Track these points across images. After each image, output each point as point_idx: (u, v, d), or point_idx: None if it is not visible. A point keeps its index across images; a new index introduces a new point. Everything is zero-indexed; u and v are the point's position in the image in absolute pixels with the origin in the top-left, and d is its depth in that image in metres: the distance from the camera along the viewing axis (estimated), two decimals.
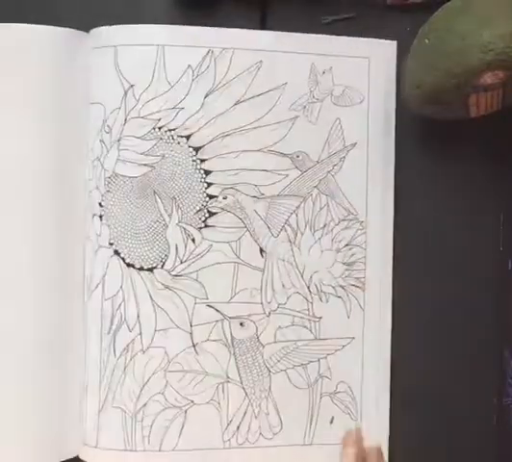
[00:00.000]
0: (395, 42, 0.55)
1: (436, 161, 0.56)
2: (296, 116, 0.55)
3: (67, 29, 0.54)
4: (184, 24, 0.55)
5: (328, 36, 0.55)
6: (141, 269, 0.54)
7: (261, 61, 0.54)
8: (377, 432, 0.55)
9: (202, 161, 0.54)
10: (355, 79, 0.55)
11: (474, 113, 0.52)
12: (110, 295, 0.54)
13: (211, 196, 0.54)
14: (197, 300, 0.54)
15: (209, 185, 0.54)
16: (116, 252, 0.54)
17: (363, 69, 0.55)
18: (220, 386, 0.54)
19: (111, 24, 0.54)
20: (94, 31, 0.54)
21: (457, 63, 0.47)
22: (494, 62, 0.47)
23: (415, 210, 0.56)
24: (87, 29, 0.55)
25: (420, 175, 0.56)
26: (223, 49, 0.54)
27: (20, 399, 0.53)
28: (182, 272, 0.54)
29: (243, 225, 0.54)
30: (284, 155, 0.55)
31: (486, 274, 0.56)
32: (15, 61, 0.53)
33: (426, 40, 0.49)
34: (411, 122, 0.56)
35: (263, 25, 0.56)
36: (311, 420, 0.55)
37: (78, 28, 0.54)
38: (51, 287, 0.54)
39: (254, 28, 0.56)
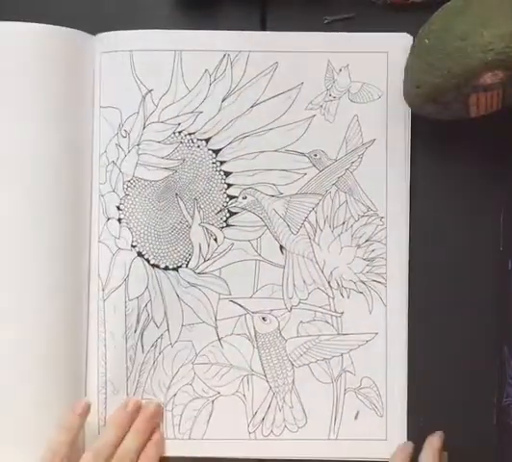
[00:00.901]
0: (410, 36, 0.55)
1: (436, 161, 0.56)
2: (313, 115, 0.56)
3: (73, 30, 0.54)
4: (184, 25, 0.55)
5: (343, 33, 0.55)
6: (167, 268, 0.56)
7: (276, 62, 0.55)
8: (400, 429, 0.56)
9: (222, 163, 0.55)
10: (373, 75, 0.55)
11: (474, 113, 0.52)
12: (135, 296, 0.55)
13: (231, 197, 0.56)
14: (221, 296, 0.56)
15: (229, 186, 0.56)
16: (140, 254, 0.55)
17: (381, 64, 0.55)
18: (245, 378, 0.56)
19: (112, 26, 0.55)
20: (104, 35, 0.55)
21: (457, 63, 0.47)
22: (494, 62, 0.47)
23: (415, 210, 0.56)
24: (87, 31, 0.55)
25: (420, 175, 0.56)
26: (239, 52, 0.55)
27: (41, 399, 0.53)
28: (206, 270, 0.56)
29: (263, 224, 0.56)
30: (302, 154, 0.56)
31: (486, 274, 0.56)
32: (20, 60, 0.53)
33: (426, 40, 0.49)
34: (411, 122, 0.56)
35: (263, 25, 0.56)
36: (336, 414, 0.56)
37: (74, 27, 0.54)
38: (56, 287, 0.54)
39: (254, 28, 0.56)
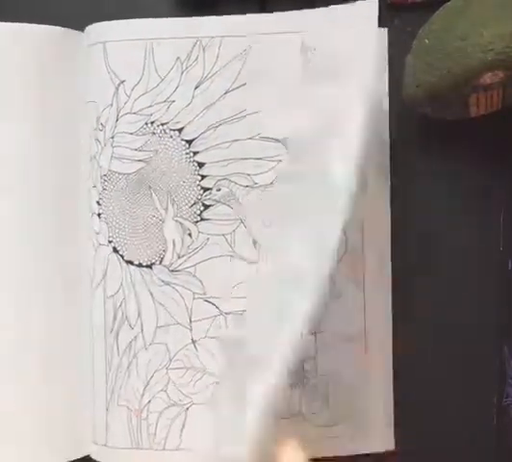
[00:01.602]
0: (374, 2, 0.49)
1: (436, 161, 0.56)
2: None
3: (63, 28, 0.54)
4: None
5: (316, 9, 0.52)
6: (140, 265, 0.54)
7: (249, 46, 0.53)
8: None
9: (195, 153, 0.53)
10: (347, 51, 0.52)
11: (474, 113, 0.52)
12: (111, 294, 0.54)
13: (205, 189, 0.54)
14: (196, 296, 0.53)
15: (203, 177, 0.53)
16: (115, 249, 0.54)
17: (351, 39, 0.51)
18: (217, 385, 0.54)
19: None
20: (88, 29, 0.54)
21: (457, 63, 0.47)
22: (494, 62, 0.47)
23: (414, 210, 0.56)
24: (83, 29, 0.55)
25: (419, 175, 0.56)
26: (211, 38, 0.53)
27: (31, 399, 0.53)
28: (180, 268, 0.53)
29: (237, 217, 0.54)
30: (276, 140, 0.54)
31: (486, 274, 0.56)
32: (9, 60, 0.53)
33: (426, 40, 0.49)
34: (411, 122, 0.56)
35: None
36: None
37: (75, 28, 0.54)
38: (53, 287, 0.54)
39: None
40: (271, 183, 0.53)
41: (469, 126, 0.54)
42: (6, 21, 0.53)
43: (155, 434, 0.53)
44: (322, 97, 0.51)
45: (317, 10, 0.52)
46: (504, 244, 0.56)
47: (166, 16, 0.55)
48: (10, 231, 0.53)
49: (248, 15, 0.54)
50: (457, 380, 0.56)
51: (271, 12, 0.56)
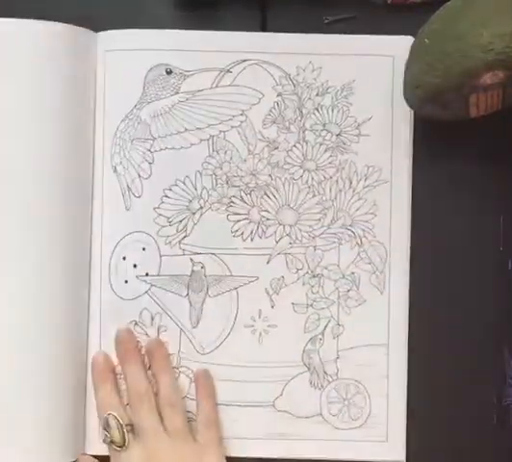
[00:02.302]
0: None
1: (436, 161, 0.56)
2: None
3: (76, 27, 0.54)
4: (184, 25, 0.55)
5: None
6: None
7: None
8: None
9: None
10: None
11: (474, 113, 0.52)
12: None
13: None
14: None
15: None
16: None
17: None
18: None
19: (113, 25, 0.55)
20: (109, 33, 0.55)
21: (457, 63, 0.47)
22: (494, 62, 0.47)
23: (414, 210, 0.56)
24: (88, 28, 0.55)
25: (419, 175, 0.56)
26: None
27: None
28: None
29: None
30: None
31: (486, 274, 0.56)
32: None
33: (426, 40, 0.49)
34: (411, 122, 0.56)
35: (263, 25, 0.56)
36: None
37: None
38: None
39: (254, 28, 0.56)
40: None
41: (469, 126, 0.54)
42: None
43: None
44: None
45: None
46: (504, 244, 0.56)
47: (167, 16, 0.56)
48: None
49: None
50: (457, 380, 0.56)
51: (272, 13, 0.56)
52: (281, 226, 0.55)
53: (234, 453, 0.55)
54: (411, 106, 0.53)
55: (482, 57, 0.47)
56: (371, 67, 0.56)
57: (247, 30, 0.56)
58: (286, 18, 0.56)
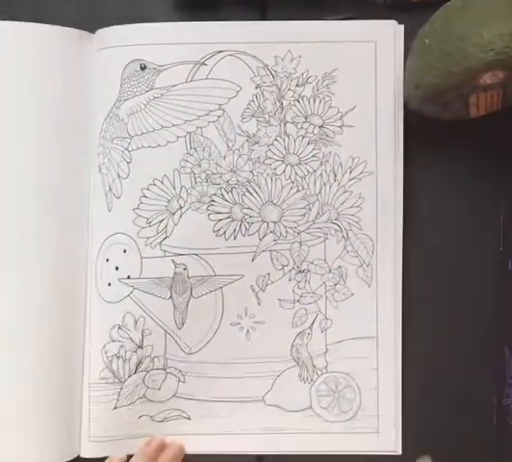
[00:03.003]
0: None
1: (436, 161, 0.56)
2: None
3: (73, 29, 0.54)
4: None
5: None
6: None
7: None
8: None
9: None
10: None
11: (474, 113, 0.52)
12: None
13: None
14: None
15: None
16: None
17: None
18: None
19: (112, 25, 0.55)
20: (100, 31, 0.55)
21: (457, 63, 0.47)
22: (494, 62, 0.47)
23: (414, 210, 0.56)
24: (88, 30, 0.55)
25: (419, 175, 0.56)
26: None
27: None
28: None
29: None
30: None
31: (486, 274, 0.56)
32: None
33: (426, 40, 0.49)
34: (411, 122, 0.56)
35: None
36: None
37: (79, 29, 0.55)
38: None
39: None
40: None
41: (469, 126, 0.54)
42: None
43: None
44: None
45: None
46: (504, 244, 0.56)
47: (167, 16, 0.56)
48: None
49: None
50: (457, 380, 0.56)
51: (271, 13, 0.56)
52: (265, 223, 0.55)
53: (225, 449, 0.55)
54: (411, 106, 0.53)
55: (482, 57, 0.47)
56: (353, 54, 0.54)
57: None
58: (286, 18, 0.56)
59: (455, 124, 0.54)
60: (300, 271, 0.55)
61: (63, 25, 0.54)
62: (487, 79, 0.48)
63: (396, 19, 0.55)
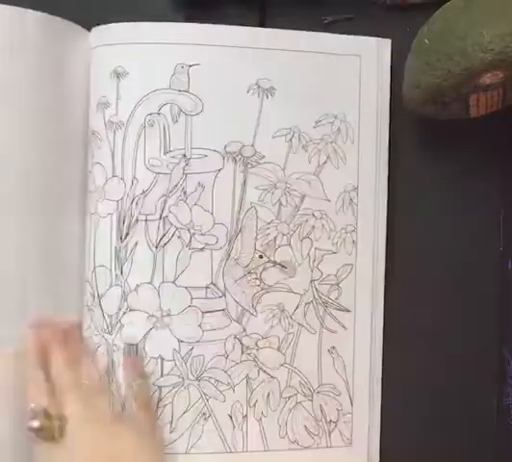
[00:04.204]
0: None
1: (436, 161, 0.56)
2: None
3: (71, 23, 0.54)
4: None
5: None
6: None
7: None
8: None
9: None
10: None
11: (474, 113, 0.52)
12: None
13: None
14: None
15: None
16: None
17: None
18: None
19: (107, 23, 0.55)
20: (97, 29, 0.54)
21: (457, 63, 0.47)
22: (494, 62, 0.47)
23: (415, 210, 0.56)
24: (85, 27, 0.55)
25: (419, 175, 0.56)
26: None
27: None
28: None
29: None
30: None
31: (486, 274, 0.56)
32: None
33: (426, 40, 0.49)
34: (411, 122, 0.56)
35: (262, 25, 0.56)
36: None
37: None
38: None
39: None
40: None
41: (469, 126, 0.54)
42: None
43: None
44: None
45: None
46: (504, 244, 0.56)
47: (166, 16, 0.56)
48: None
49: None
50: (457, 381, 0.56)
51: (271, 13, 0.56)
52: None
53: None
54: (411, 106, 0.53)
55: (482, 57, 0.47)
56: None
57: None
58: (285, 18, 0.56)
59: (455, 124, 0.54)
60: None
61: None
62: (487, 79, 0.48)
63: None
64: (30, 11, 0.52)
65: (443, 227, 0.56)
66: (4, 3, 0.52)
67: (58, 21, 0.53)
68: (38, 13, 0.52)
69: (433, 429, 0.56)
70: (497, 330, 0.56)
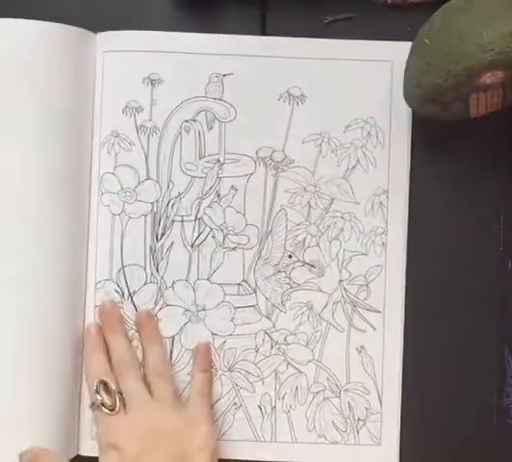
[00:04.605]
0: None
1: (436, 161, 0.56)
2: None
3: (75, 27, 0.54)
4: (184, 26, 0.55)
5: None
6: None
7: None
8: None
9: None
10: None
11: (474, 113, 0.52)
12: None
13: None
14: None
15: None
16: None
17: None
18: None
19: (113, 26, 0.55)
20: (107, 34, 0.55)
21: (457, 63, 0.47)
22: (494, 62, 0.47)
23: (414, 210, 0.56)
24: (88, 29, 0.55)
25: (419, 175, 0.56)
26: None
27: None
28: None
29: None
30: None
31: (486, 274, 0.56)
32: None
33: (426, 40, 0.49)
34: (411, 122, 0.56)
35: (262, 25, 0.56)
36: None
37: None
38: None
39: (253, 28, 0.56)
40: None
41: (469, 126, 0.54)
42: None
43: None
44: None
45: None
46: (504, 244, 0.56)
47: (167, 17, 0.56)
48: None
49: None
50: (457, 380, 0.56)
51: (271, 13, 0.56)
52: None
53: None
54: (411, 106, 0.53)
55: (482, 57, 0.47)
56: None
57: (247, 30, 0.56)
58: (285, 18, 0.56)
59: (455, 124, 0.54)
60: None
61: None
62: (487, 79, 0.48)
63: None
64: (44, 23, 0.53)
65: (443, 227, 0.56)
66: (8, 14, 0.53)
67: (71, 29, 0.54)
68: (53, 24, 0.53)
69: (433, 429, 0.56)
70: (497, 330, 0.56)
